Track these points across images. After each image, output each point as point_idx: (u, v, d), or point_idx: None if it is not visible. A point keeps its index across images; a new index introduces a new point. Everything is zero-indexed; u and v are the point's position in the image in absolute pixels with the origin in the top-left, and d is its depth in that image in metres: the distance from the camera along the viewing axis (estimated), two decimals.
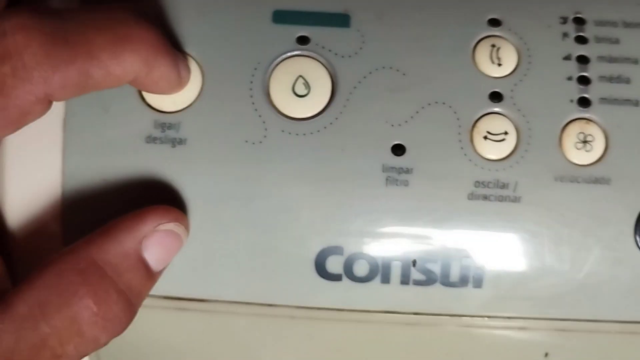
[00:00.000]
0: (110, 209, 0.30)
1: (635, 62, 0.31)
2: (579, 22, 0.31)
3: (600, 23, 0.31)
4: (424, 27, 0.31)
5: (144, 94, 0.30)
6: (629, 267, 0.30)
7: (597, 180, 0.30)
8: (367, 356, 0.33)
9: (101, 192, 0.30)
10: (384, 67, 0.31)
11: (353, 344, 0.33)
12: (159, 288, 0.31)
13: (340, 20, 0.31)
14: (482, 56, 0.31)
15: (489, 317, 0.31)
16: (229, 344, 0.33)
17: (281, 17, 0.31)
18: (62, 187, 0.30)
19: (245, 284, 0.31)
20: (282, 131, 0.30)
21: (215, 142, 0.30)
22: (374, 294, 0.31)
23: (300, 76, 0.31)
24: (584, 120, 0.30)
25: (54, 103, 0.28)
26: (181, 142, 0.30)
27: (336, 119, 0.30)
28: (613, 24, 0.31)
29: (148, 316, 0.32)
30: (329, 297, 0.31)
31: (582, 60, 0.31)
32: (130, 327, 0.33)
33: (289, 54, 0.31)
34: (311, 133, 0.30)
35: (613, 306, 0.31)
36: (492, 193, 0.30)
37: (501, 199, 0.30)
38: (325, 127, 0.30)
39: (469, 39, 0.31)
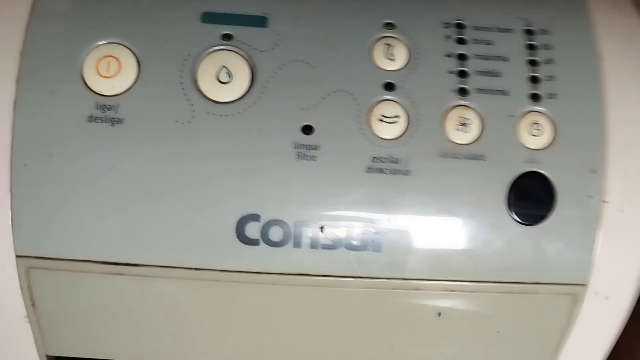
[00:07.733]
0: (55, 180, 0.34)
1: (505, 59, 0.37)
2: (460, 27, 0.37)
3: (477, 28, 0.37)
4: (330, 29, 0.37)
5: (87, 78, 0.35)
6: (503, 233, 0.35)
7: (474, 157, 0.35)
8: (282, 318, 0.37)
9: (47, 166, 0.34)
10: (296, 61, 0.36)
11: (269, 305, 0.37)
12: (95, 254, 0.35)
13: (260, 21, 0.37)
14: (378, 53, 0.36)
15: (387, 278, 0.36)
16: (160, 306, 0.37)
17: (209, 17, 0.36)
18: (11, 161, 0.34)
19: (174, 249, 0.35)
20: (208, 112, 0.35)
21: (149, 121, 0.35)
22: (287, 258, 0.35)
23: (224, 66, 0.36)
24: (463, 107, 0.36)
25: (5, 86, 0.32)
26: (119, 121, 0.35)
27: (254, 102, 0.35)
28: (487, 29, 0.37)
29: (86, 281, 0.35)
30: (248, 261, 0.35)
31: (462, 57, 0.37)
32: (69, 292, 0.36)
33: (214, 48, 0.36)
34: (233, 115, 0.35)
35: (492, 268, 0.36)
36: (387, 167, 0.35)
37: (394, 172, 0.35)
38: (245, 110, 0.35)
39: (368, 38, 0.37)
